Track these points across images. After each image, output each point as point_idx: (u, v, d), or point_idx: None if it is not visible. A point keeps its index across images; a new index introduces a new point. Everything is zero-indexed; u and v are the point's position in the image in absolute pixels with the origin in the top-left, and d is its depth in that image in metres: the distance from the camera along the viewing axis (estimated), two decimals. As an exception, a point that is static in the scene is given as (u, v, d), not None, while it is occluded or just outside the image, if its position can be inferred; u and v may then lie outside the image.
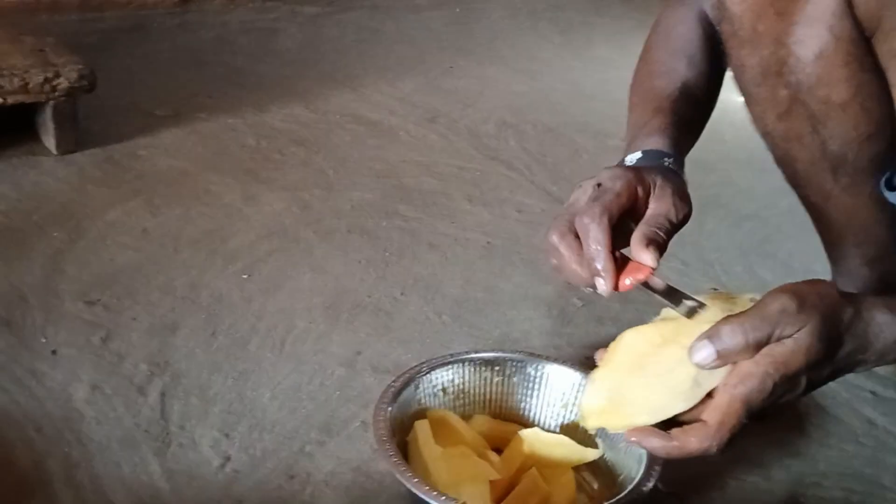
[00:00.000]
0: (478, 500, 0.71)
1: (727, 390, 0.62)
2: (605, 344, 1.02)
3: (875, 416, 0.94)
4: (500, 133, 1.67)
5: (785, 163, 0.89)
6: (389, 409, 0.76)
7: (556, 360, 0.85)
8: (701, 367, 0.62)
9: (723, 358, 0.62)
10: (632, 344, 0.70)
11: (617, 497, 0.69)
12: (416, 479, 0.69)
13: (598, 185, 0.72)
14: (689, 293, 0.70)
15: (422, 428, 0.79)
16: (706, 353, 0.62)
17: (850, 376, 0.99)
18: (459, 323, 1.05)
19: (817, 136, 0.83)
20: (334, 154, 1.48)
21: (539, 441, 0.80)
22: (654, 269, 0.69)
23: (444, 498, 0.67)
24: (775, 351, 0.61)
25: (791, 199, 0.94)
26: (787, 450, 0.88)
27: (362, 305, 1.06)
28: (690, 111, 0.88)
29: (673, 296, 0.70)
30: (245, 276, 1.10)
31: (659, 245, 0.70)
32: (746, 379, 0.61)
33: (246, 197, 1.30)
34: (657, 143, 0.82)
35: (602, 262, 0.68)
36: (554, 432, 0.83)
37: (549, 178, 1.49)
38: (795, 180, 0.90)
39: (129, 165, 1.37)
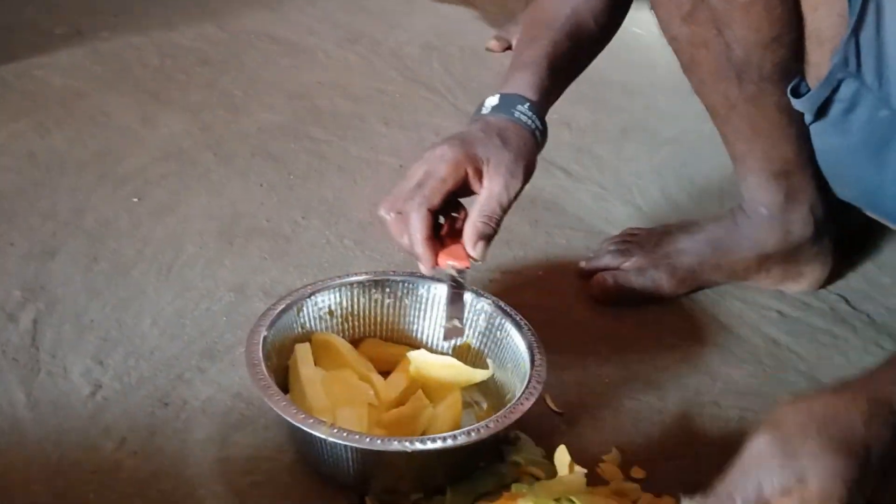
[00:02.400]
0: (354, 424, 0.68)
1: None
2: (510, 268, 1.00)
3: (779, 336, 0.93)
4: (424, 56, 1.60)
5: (691, 70, 0.86)
6: (265, 331, 0.73)
7: (447, 274, 0.81)
8: None
9: None
10: None
11: (497, 413, 0.67)
12: (284, 403, 0.65)
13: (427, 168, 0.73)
14: (462, 317, 0.76)
15: (302, 351, 0.75)
16: None
17: (756, 295, 0.98)
18: (361, 248, 1.01)
19: (721, 39, 0.81)
20: (244, 75, 1.41)
21: (426, 362, 0.77)
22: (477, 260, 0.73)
23: (310, 421, 0.64)
24: None
25: (712, 125, 0.91)
26: (685, 369, 0.87)
27: (259, 230, 1.02)
28: (573, 42, 0.85)
29: (455, 304, 0.76)
30: (135, 200, 1.04)
31: (490, 236, 0.73)
32: None
33: (143, 118, 1.23)
34: (521, 82, 0.80)
35: (419, 250, 0.72)
36: (446, 354, 0.80)
37: (472, 102, 1.42)
38: (702, 89, 0.88)
39: (21, 86, 1.28)
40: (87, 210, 1.01)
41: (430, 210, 0.71)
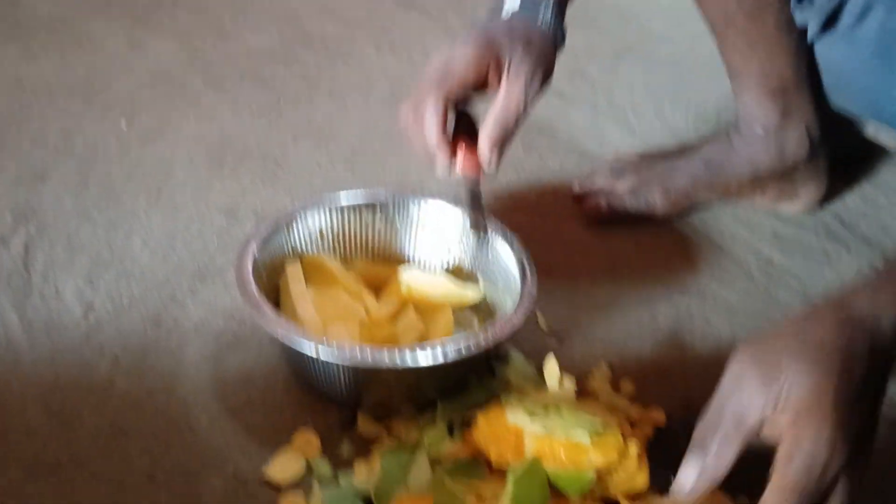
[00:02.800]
0: (344, 338, 0.68)
1: None
2: (503, 191, 0.99)
3: (773, 255, 0.93)
4: (416, -23, 1.57)
5: None
6: (255, 251, 0.72)
7: (437, 197, 0.81)
8: None
9: None
10: None
11: (488, 328, 0.67)
12: (274, 320, 0.65)
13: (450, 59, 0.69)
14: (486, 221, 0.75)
15: (293, 270, 0.75)
16: None
17: (750, 215, 0.98)
18: (353, 171, 1.01)
19: None
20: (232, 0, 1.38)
21: (418, 281, 0.77)
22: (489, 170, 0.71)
23: (301, 336, 0.64)
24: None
25: (709, 46, 0.90)
26: (678, 287, 0.87)
27: (249, 153, 1.01)
28: None
29: (475, 208, 0.75)
30: (124, 125, 1.03)
31: (504, 145, 0.71)
32: None
33: (131, 44, 1.20)
34: None
35: (432, 145, 0.69)
36: (438, 274, 0.80)
37: (464, 24, 1.41)
38: (701, 3, 0.86)
39: (5, 13, 1.26)
40: (75, 135, 1.00)
41: (446, 105, 0.68)
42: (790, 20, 0.84)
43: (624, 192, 0.95)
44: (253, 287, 0.68)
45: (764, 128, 0.92)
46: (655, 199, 0.94)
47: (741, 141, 0.94)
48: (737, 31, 0.85)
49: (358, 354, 0.63)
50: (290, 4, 1.39)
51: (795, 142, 0.93)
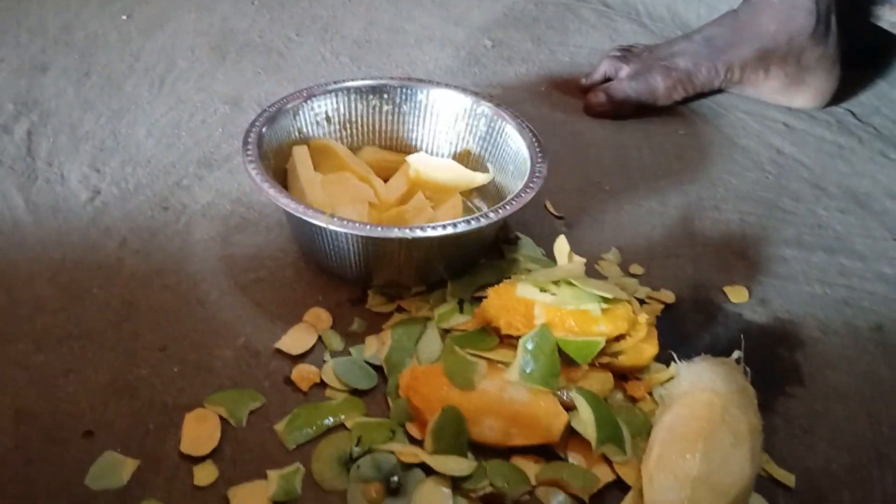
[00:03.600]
0: (353, 218, 0.67)
1: None
2: (512, 83, 0.98)
3: (783, 146, 0.92)
4: None
5: None
6: (262, 132, 0.71)
7: (445, 85, 0.80)
8: None
9: None
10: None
11: (498, 204, 0.66)
12: (283, 197, 0.65)
13: None
14: None
15: (300, 153, 0.74)
16: None
17: (761, 108, 0.96)
18: (358, 63, 0.99)
19: None
20: None
21: (426, 165, 0.76)
22: None
23: (311, 211, 0.63)
24: None
25: None
26: (688, 176, 0.86)
27: (252, 45, 0.99)
28: None
29: None
30: (124, 17, 1.01)
31: None
32: None
33: (129, -63, 1.17)
34: None
35: None
36: (446, 158, 0.79)
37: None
38: None
39: None
40: (75, 27, 0.98)
41: None
42: None
43: (625, 78, 0.93)
44: (259, 165, 0.68)
45: None
46: (657, 81, 0.92)
47: (747, 10, 0.92)
48: None
49: (367, 227, 0.62)
50: None
51: (803, 9, 0.90)
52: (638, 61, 0.94)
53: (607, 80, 0.96)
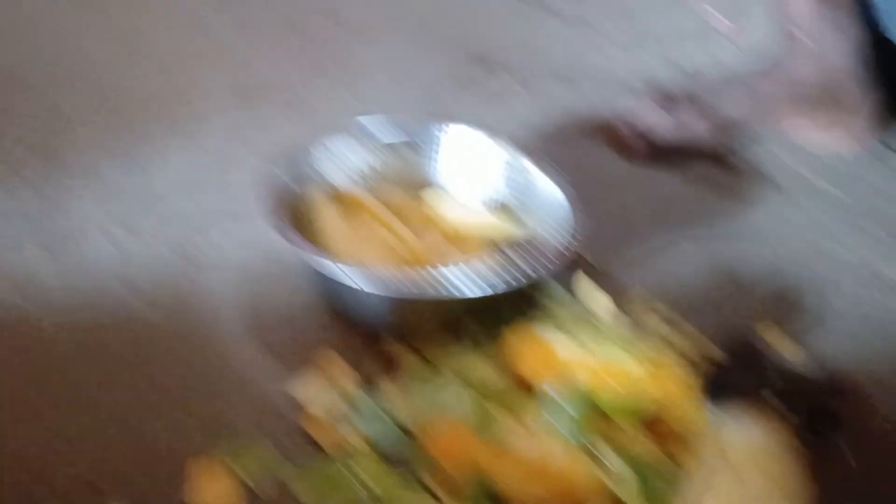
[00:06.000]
0: (377, 265, 0.66)
1: None
2: (544, 127, 0.96)
3: (826, 187, 0.89)
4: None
5: None
6: (283, 179, 0.70)
7: (476, 129, 0.78)
8: None
9: None
10: None
11: (529, 260, 0.64)
12: (309, 250, 0.63)
13: None
14: None
15: (321, 198, 0.73)
16: None
17: (801, 148, 0.94)
18: (381, 110, 0.96)
19: None
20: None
21: (450, 209, 0.74)
22: None
23: (337, 265, 0.61)
24: None
25: None
26: (723, 217, 0.84)
27: (274, 90, 0.98)
28: None
29: None
30: (145, 59, 1.01)
31: None
32: None
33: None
34: None
35: None
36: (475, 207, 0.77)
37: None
38: None
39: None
40: (102, 75, 0.98)
41: None
42: None
43: (663, 124, 0.92)
44: (281, 216, 0.66)
45: (808, 34, 0.88)
46: (700, 131, 0.91)
47: (785, 58, 0.91)
48: None
49: (398, 283, 0.60)
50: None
51: (840, 52, 0.89)
52: (678, 107, 0.93)
53: (646, 125, 0.94)
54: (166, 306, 0.69)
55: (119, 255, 0.74)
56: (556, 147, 0.92)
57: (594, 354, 0.56)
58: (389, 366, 0.63)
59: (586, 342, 0.56)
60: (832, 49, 0.89)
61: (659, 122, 0.92)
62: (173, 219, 0.79)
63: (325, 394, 0.60)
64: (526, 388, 0.57)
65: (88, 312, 0.69)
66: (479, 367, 0.61)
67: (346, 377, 0.61)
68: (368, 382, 0.62)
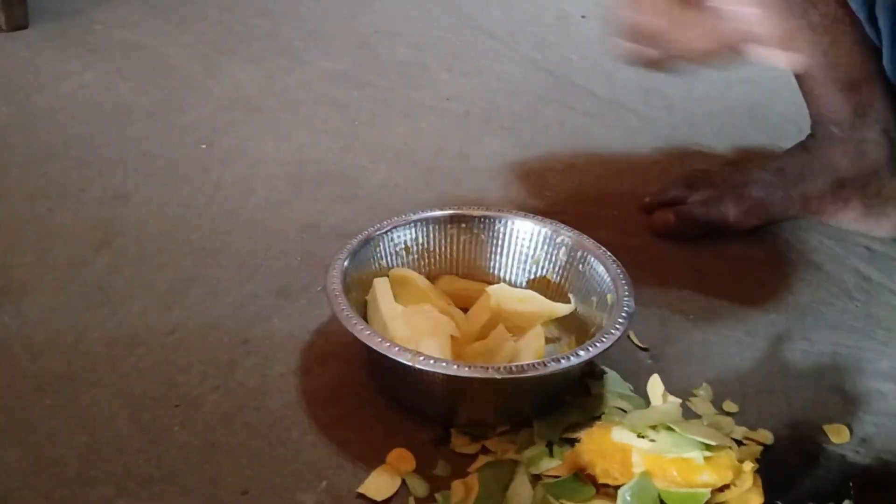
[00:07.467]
0: (437, 355, 0.66)
1: None
2: (581, 207, 0.97)
3: (869, 272, 0.89)
4: (481, 2, 1.58)
5: None
6: (345, 264, 0.71)
7: (524, 214, 0.79)
8: None
9: None
10: None
11: (586, 342, 0.64)
12: (367, 332, 0.64)
13: None
14: None
15: (381, 285, 0.74)
16: None
17: (842, 232, 0.94)
18: (431, 190, 0.99)
19: None
20: (303, 26, 1.39)
21: (507, 296, 0.75)
22: None
23: (396, 348, 0.62)
24: None
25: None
26: (772, 305, 0.83)
27: (327, 173, 1.00)
28: None
29: None
30: (203, 147, 1.03)
31: None
32: None
33: (206, 69, 1.22)
34: None
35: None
36: (526, 289, 0.78)
37: (534, 48, 1.41)
38: None
39: (83, 40, 1.29)
40: (156, 157, 1.01)
41: None
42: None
43: (695, 203, 0.92)
44: (344, 299, 0.67)
45: (838, 126, 0.89)
46: (728, 208, 0.91)
47: (816, 146, 0.91)
48: (809, 24, 0.82)
49: (454, 366, 0.61)
50: (359, 31, 1.41)
51: (873, 143, 0.89)
52: (708, 187, 0.93)
53: (675, 201, 0.95)
54: (225, 389, 0.69)
55: (173, 334, 0.75)
56: (592, 225, 0.93)
57: (660, 449, 0.56)
58: (458, 463, 0.63)
59: (653, 438, 0.56)
60: (864, 139, 0.89)
61: (688, 200, 0.93)
62: (226, 297, 0.79)
63: (394, 489, 0.60)
64: (592, 482, 0.57)
65: (147, 391, 0.69)
66: (543, 459, 0.61)
67: (416, 476, 0.61)
68: (436, 479, 0.61)
